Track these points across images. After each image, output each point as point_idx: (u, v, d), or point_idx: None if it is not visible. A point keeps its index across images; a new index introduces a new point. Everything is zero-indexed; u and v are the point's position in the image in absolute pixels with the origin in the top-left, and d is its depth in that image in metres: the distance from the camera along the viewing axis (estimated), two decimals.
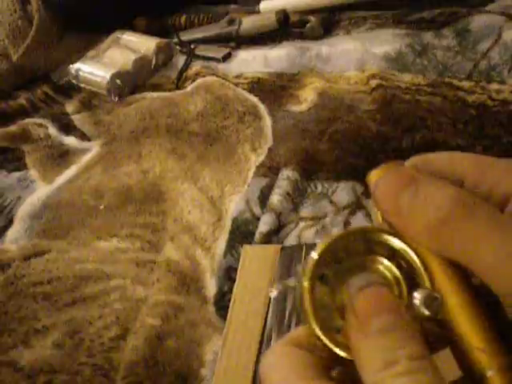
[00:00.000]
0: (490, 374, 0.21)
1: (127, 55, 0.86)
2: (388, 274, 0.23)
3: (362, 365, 0.19)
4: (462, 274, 0.22)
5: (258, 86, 0.78)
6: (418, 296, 0.22)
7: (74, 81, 0.88)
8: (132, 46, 0.88)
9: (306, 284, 0.23)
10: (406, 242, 0.22)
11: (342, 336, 0.22)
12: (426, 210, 0.20)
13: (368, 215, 0.56)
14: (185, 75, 0.85)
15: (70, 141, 0.78)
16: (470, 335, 0.22)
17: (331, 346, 0.21)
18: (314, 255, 0.23)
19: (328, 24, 0.86)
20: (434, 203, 0.20)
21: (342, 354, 0.21)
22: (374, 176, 0.23)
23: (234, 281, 0.51)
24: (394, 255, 0.22)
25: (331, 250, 0.23)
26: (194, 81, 0.82)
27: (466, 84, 0.67)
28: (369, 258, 0.23)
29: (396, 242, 0.22)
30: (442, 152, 0.25)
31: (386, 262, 0.23)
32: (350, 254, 0.23)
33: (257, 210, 0.60)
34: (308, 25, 0.85)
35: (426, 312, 0.21)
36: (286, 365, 0.21)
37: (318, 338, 0.22)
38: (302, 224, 0.57)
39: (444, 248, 0.21)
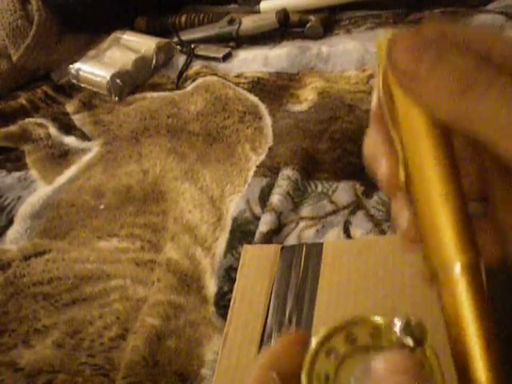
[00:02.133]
0: (457, 269, 0.21)
1: (127, 55, 0.86)
2: None
3: None
4: (455, 165, 0.21)
5: (258, 85, 0.78)
6: (397, 323, 0.21)
7: (74, 81, 0.88)
8: (132, 46, 0.88)
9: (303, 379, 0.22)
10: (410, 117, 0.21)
11: None
12: (449, 76, 0.19)
13: (368, 215, 0.56)
14: (185, 75, 0.85)
15: (71, 141, 0.78)
16: (445, 226, 0.21)
17: None
18: (312, 345, 0.23)
19: (328, 24, 0.86)
20: (457, 69, 0.19)
21: None
22: (386, 38, 0.21)
23: (235, 281, 0.51)
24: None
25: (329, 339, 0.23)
26: (194, 80, 0.82)
27: None
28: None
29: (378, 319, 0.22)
30: (456, 25, 0.23)
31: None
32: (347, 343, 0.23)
33: (257, 209, 0.60)
34: (308, 24, 0.85)
35: (410, 341, 0.21)
36: None
37: None
38: (302, 224, 0.57)
39: (463, 116, 0.19)
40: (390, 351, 0.20)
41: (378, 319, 0.23)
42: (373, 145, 0.24)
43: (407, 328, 0.21)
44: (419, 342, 0.21)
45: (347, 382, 0.22)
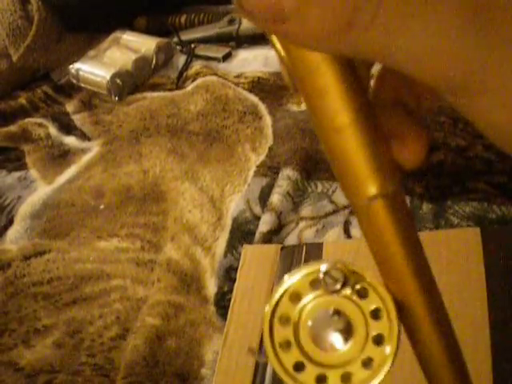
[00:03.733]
0: (375, 202, 0.19)
1: (127, 55, 0.86)
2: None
3: None
4: (358, 84, 0.19)
5: (258, 85, 0.78)
6: (321, 275, 0.21)
7: (74, 80, 0.88)
8: (132, 46, 0.88)
9: (265, 328, 0.22)
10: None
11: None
12: (324, 15, 0.16)
13: None
14: (185, 75, 0.84)
15: (70, 140, 0.78)
16: (359, 154, 0.19)
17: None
18: (267, 308, 0.22)
19: None
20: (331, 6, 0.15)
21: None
22: None
23: (235, 280, 0.51)
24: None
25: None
26: (194, 80, 0.82)
27: None
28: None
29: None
30: None
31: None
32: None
33: (257, 209, 0.60)
34: None
35: (337, 286, 0.21)
36: None
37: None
38: (302, 224, 0.57)
39: (352, 50, 0.17)
40: None
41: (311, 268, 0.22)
42: None
43: (329, 271, 0.21)
44: (344, 283, 0.21)
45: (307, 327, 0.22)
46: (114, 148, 0.75)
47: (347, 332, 0.21)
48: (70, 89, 0.88)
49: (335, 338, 0.21)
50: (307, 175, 0.62)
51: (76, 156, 0.75)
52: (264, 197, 0.61)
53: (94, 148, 0.76)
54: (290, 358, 0.22)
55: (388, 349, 0.21)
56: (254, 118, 0.73)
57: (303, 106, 0.73)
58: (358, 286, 0.21)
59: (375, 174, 0.19)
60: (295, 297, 0.22)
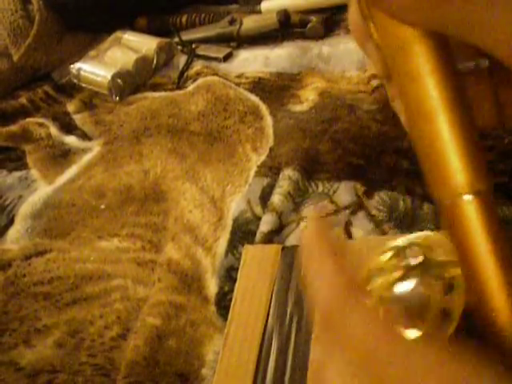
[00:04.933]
0: (466, 198, 0.19)
1: (128, 55, 0.86)
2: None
3: None
4: (450, 67, 0.19)
5: (259, 85, 0.78)
6: (395, 252, 0.21)
7: (75, 80, 0.88)
8: (133, 46, 0.88)
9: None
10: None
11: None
12: None
13: (369, 215, 0.56)
14: (186, 75, 0.84)
15: (71, 140, 0.78)
16: (451, 150, 0.19)
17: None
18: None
19: (329, 24, 0.86)
20: None
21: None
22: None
23: (235, 281, 0.51)
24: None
25: None
26: (195, 80, 0.82)
27: None
28: None
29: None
30: None
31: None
32: None
33: (258, 209, 0.60)
34: (309, 25, 0.85)
35: (413, 262, 0.21)
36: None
37: None
38: (303, 224, 0.57)
39: (443, 23, 0.17)
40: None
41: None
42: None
43: (404, 250, 0.21)
44: (422, 259, 0.21)
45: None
46: (114, 148, 0.75)
47: (420, 309, 0.21)
48: (71, 89, 0.88)
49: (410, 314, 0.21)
50: (308, 175, 0.62)
51: (77, 156, 0.75)
52: (265, 197, 0.61)
53: (95, 148, 0.76)
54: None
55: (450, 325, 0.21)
56: (254, 118, 0.73)
57: (304, 107, 0.73)
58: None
59: (469, 168, 0.18)
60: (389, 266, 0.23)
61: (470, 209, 0.19)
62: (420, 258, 0.21)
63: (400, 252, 0.22)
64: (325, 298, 0.20)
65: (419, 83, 0.18)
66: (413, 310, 0.21)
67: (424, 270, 0.21)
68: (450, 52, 0.19)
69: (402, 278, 0.22)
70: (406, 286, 0.22)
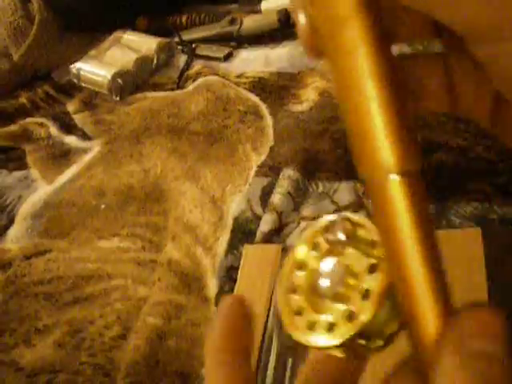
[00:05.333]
0: (392, 177, 0.18)
1: (128, 55, 0.86)
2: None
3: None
4: (386, 43, 0.18)
5: (259, 85, 0.78)
6: (323, 228, 0.21)
7: (75, 80, 0.88)
8: (133, 46, 0.88)
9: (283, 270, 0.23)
10: None
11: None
12: None
13: (370, 215, 0.56)
14: (186, 75, 0.84)
15: (71, 140, 0.78)
16: (379, 126, 0.18)
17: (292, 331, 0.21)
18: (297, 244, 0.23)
19: None
20: None
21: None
22: None
23: (235, 280, 0.51)
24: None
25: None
26: (195, 80, 0.82)
27: None
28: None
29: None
30: None
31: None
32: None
33: (258, 209, 0.60)
34: None
35: (341, 237, 0.21)
36: None
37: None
38: (303, 224, 0.57)
39: None
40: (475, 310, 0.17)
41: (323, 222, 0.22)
42: None
43: (332, 227, 0.21)
44: (348, 235, 0.20)
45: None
46: (114, 148, 0.75)
47: (343, 284, 0.21)
48: (71, 88, 0.88)
49: (332, 288, 0.21)
50: (308, 175, 0.62)
51: (77, 156, 0.75)
52: (265, 197, 0.61)
53: (95, 148, 0.76)
54: (295, 301, 0.22)
55: (369, 307, 0.20)
56: (255, 118, 0.73)
57: (304, 106, 0.73)
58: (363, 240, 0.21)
59: (397, 146, 0.18)
60: (314, 245, 0.23)
61: (395, 190, 0.18)
62: (348, 234, 0.21)
63: (330, 227, 0.22)
64: None
65: (351, 56, 0.18)
66: (337, 286, 0.21)
67: (353, 245, 0.21)
68: (385, 29, 0.18)
69: (329, 253, 0.22)
70: (331, 262, 0.21)
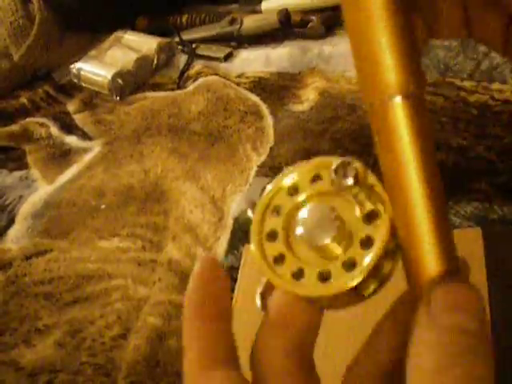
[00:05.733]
0: (396, 100, 0.17)
1: (129, 55, 0.86)
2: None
3: (414, 353, 0.17)
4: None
5: (259, 85, 0.78)
6: (333, 169, 0.19)
7: (75, 80, 0.88)
8: (133, 46, 0.88)
9: (256, 216, 0.21)
10: None
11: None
12: None
13: None
14: (186, 75, 0.84)
15: (72, 140, 0.78)
16: (383, 47, 0.18)
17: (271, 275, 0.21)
18: (268, 187, 0.22)
19: (330, 23, 0.86)
20: None
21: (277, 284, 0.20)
22: None
23: (236, 280, 0.51)
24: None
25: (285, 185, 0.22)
26: (195, 80, 0.82)
27: (467, 84, 0.67)
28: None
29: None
30: None
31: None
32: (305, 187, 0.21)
33: None
34: (310, 24, 0.84)
35: (348, 182, 0.19)
36: None
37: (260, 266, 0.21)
38: None
39: None
40: (445, 285, 0.18)
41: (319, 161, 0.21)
42: None
43: (341, 168, 0.19)
44: (356, 180, 0.19)
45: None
46: (115, 148, 0.75)
47: (336, 231, 0.20)
48: (72, 88, 0.88)
49: (322, 235, 0.20)
50: None
51: (77, 156, 0.75)
52: None
53: (95, 148, 0.76)
54: (274, 249, 0.21)
55: (372, 254, 0.19)
56: (255, 118, 0.73)
57: (304, 106, 0.73)
58: (364, 188, 0.20)
59: (401, 68, 0.17)
60: (293, 190, 0.21)
61: (399, 112, 0.18)
62: (354, 178, 0.19)
63: (338, 170, 0.20)
64: (187, 368, 0.20)
65: None
66: (326, 233, 0.20)
67: (355, 192, 0.20)
68: None
69: (310, 199, 0.21)
70: (315, 208, 0.20)
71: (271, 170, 0.64)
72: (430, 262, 0.18)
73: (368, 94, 0.18)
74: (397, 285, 0.20)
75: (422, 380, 0.17)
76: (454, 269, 0.18)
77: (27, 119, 0.83)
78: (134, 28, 0.94)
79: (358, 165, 0.19)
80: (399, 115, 0.18)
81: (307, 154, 0.64)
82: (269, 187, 0.22)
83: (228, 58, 0.85)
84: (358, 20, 0.18)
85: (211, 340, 0.20)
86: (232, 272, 0.54)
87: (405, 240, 0.19)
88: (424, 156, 0.18)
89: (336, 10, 0.89)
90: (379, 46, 0.18)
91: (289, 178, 0.22)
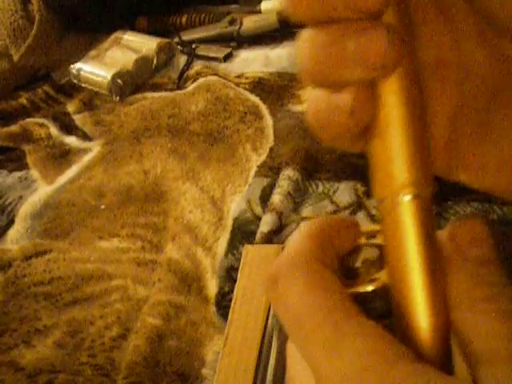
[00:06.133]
0: (405, 198, 0.19)
1: (128, 55, 0.86)
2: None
3: (456, 292, 0.19)
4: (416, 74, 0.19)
5: (259, 85, 0.78)
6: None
7: (75, 81, 0.88)
8: (133, 46, 0.88)
9: None
10: None
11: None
12: None
13: (369, 215, 0.56)
14: (186, 75, 0.84)
15: (71, 140, 0.78)
16: (397, 148, 0.19)
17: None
18: None
19: None
20: None
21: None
22: None
23: (235, 281, 0.51)
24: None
25: None
26: (195, 81, 0.82)
27: None
28: None
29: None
30: None
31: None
32: None
33: (258, 209, 0.60)
34: None
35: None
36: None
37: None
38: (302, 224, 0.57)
39: None
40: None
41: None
42: None
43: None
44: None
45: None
46: (114, 148, 0.75)
47: None
48: (71, 89, 0.88)
49: None
50: (308, 175, 0.62)
51: (77, 156, 0.75)
52: (265, 197, 0.61)
53: (95, 148, 0.76)
54: None
55: None
56: (254, 118, 0.73)
57: (304, 107, 0.73)
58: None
59: (413, 169, 0.19)
60: None
61: (405, 210, 0.19)
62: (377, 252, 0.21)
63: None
64: (276, 263, 0.20)
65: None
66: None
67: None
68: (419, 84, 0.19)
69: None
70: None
71: (271, 170, 0.64)
72: None
73: (378, 191, 0.20)
74: None
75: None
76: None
77: (27, 119, 0.83)
78: (133, 28, 0.94)
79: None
80: (405, 214, 0.19)
81: (307, 154, 0.64)
82: None
83: (227, 58, 0.85)
84: (374, 127, 0.20)
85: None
86: (232, 272, 0.54)
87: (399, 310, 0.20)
88: (427, 258, 0.19)
89: None
90: (394, 148, 0.19)
91: None
